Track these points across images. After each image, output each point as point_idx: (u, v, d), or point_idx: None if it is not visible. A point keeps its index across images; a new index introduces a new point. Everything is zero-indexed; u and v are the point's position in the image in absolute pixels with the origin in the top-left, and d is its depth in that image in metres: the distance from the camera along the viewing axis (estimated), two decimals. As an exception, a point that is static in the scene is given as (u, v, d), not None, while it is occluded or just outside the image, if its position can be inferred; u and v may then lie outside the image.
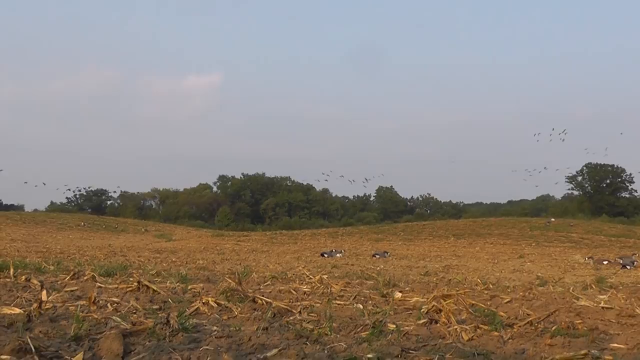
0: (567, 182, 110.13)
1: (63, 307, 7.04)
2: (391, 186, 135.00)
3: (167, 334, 5.37)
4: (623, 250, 38.49)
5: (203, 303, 7.33)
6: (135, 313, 6.78)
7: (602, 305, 8.26)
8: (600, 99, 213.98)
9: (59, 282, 9.84)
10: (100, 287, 9.23)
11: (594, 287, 12.52)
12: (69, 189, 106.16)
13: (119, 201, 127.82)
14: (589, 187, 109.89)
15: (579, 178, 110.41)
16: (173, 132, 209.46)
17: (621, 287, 12.64)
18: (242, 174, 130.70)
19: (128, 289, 8.75)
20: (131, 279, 10.42)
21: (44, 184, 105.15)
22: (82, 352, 4.57)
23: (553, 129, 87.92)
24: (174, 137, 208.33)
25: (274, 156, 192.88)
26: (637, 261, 26.12)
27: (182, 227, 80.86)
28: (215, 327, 5.96)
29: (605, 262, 26.61)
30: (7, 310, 6.43)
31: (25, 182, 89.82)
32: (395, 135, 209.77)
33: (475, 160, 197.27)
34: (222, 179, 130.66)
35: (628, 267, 23.92)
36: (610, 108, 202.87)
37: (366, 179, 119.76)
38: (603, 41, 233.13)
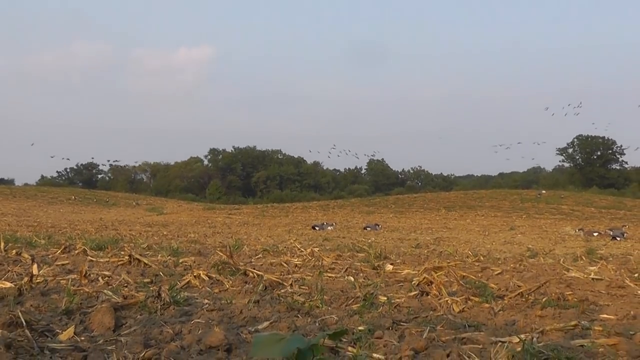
0: (558, 154, 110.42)
1: (54, 281, 7.04)
2: (382, 159, 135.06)
3: (159, 307, 5.37)
4: (613, 222, 38.77)
5: (194, 276, 7.33)
6: (126, 287, 6.79)
7: (592, 276, 8.31)
8: (596, 72, 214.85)
9: (50, 256, 9.83)
10: (91, 260, 9.23)
11: (584, 258, 12.57)
12: (93, 159, 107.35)
13: (109, 175, 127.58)
14: (579, 159, 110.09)
15: (570, 150, 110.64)
16: (164, 105, 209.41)
17: (611, 259, 12.74)
18: (233, 147, 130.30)
19: (119, 263, 8.75)
20: (122, 252, 10.40)
21: (68, 159, 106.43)
22: (73, 326, 4.57)
23: (569, 104, 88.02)
24: (164, 110, 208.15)
25: (265, 129, 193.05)
26: (627, 233, 26.29)
27: (174, 201, 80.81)
28: (206, 300, 5.97)
29: (595, 234, 26.75)
30: (-3, 284, 6.43)
31: (52, 157, 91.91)
32: (386, 107, 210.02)
33: (467, 133, 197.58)
34: (213, 152, 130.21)
35: (618, 238, 24.04)
36: (607, 82, 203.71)
37: (374, 153, 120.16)
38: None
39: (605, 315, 5.56)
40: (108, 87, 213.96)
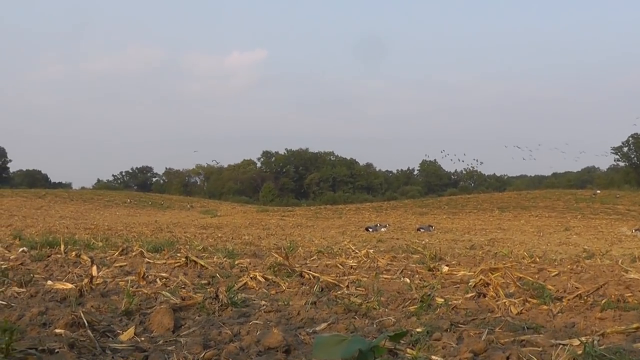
0: (613, 153, 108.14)
1: (113, 282, 7.16)
2: (435, 160, 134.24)
3: (217, 308, 5.43)
4: (672, 223, 37.89)
5: (251, 278, 7.39)
6: (184, 288, 6.87)
7: (652, 278, 8.14)
8: None
9: (108, 258, 10.01)
10: (148, 262, 9.37)
11: (642, 259, 12.33)
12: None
13: (164, 178, 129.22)
14: (635, 158, 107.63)
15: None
16: (217, 109, 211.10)
17: (671, 260, 12.45)
18: (286, 149, 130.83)
19: (176, 264, 8.86)
20: (179, 254, 10.54)
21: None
22: (133, 327, 4.64)
23: None
24: (218, 114, 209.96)
25: (318, 131, 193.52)
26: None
27: (227, 203, 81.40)
28: (263, 302, 6.01)
29: (653, 235, 26.20)
30: (59, 285, 6.57)
31: (195, 151, 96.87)
32: (439, 108, 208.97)
33: (521, 133, 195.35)
34: (266, 154, 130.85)
35: (677, 239, 23.52)
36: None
37: (477, 159, 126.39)
38: None
39: (668, 318, 5.44)
40: (161, 91, 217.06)
